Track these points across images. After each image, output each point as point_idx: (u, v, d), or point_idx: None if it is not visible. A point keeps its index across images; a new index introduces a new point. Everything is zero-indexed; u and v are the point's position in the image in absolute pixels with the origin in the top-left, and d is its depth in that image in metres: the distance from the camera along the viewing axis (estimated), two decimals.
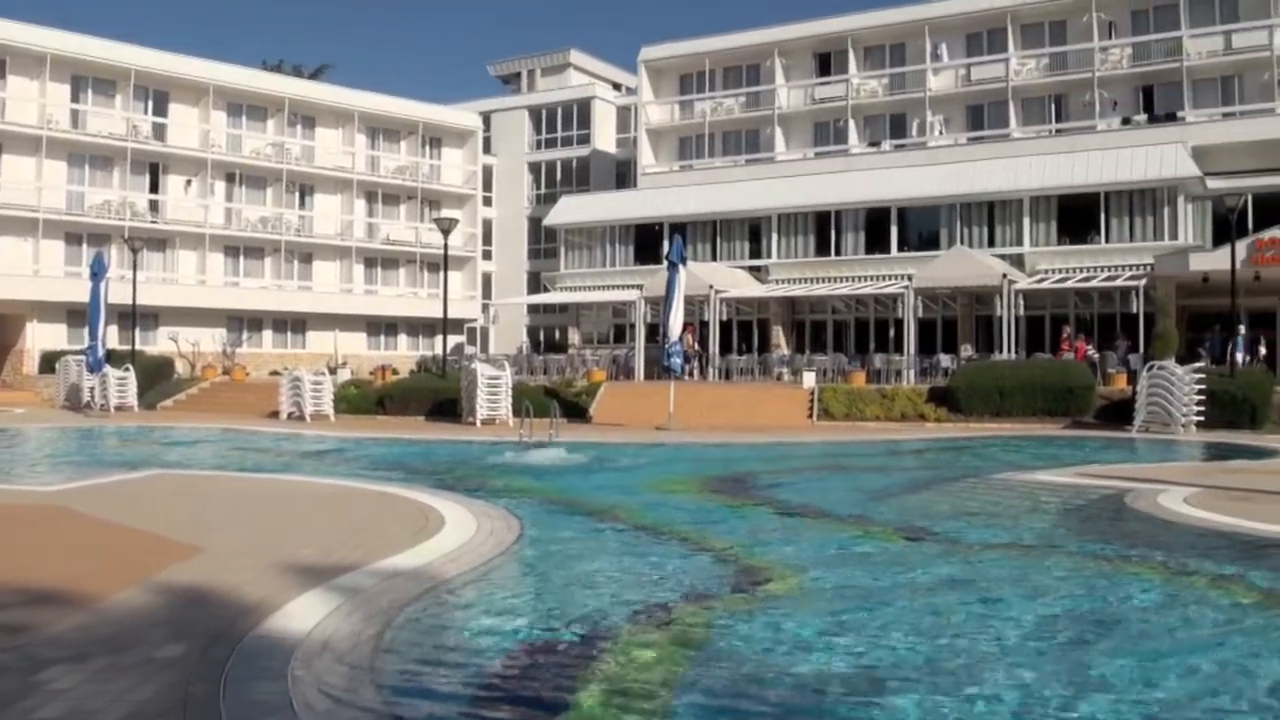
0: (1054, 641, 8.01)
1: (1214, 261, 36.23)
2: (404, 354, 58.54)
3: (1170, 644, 7.91)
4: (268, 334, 55.93)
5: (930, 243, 47.81)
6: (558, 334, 61.52)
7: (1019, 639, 8.03)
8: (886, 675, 7.07)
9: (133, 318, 43.13)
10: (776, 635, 8.04)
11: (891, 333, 45.46)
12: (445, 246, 38.10)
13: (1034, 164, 46.02)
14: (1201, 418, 28.88)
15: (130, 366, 38.77)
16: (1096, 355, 39.22)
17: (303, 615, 7.69)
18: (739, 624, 8.37)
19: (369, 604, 8.23)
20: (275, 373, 44.68)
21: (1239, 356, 36.53)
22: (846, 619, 8.58)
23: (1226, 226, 33.59)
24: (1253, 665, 7.33)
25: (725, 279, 47.26)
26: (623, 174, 63.28)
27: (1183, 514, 13.81)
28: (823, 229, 50.28)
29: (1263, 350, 38.38)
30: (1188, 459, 23.43)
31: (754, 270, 50.81)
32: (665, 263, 33.20)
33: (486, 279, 65.87)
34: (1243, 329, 37.85)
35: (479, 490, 16.13)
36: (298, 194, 57.59)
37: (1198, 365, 30.44)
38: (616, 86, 70.54)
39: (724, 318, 46.67)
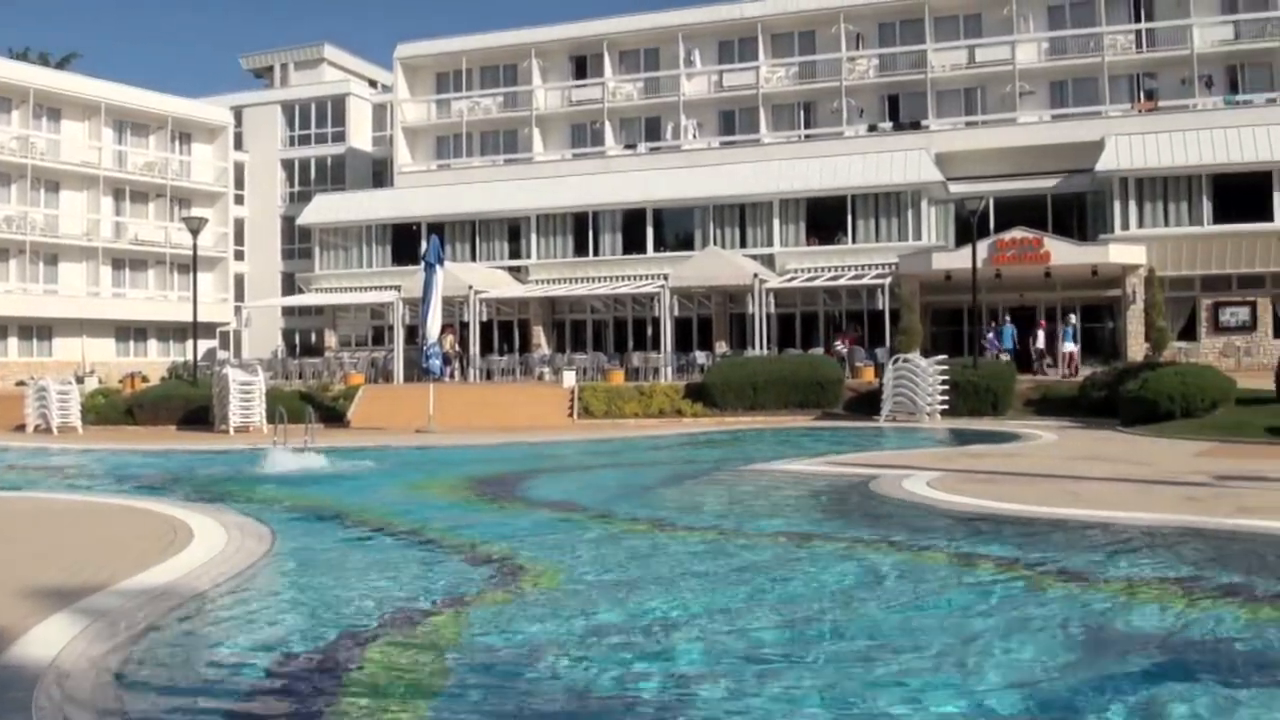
0: (791, 617, 8.46)
1: (956, 260, 38.21)
2: (155, 360, 56.57)
3: (907, 618, 8.37)
4: (13, 341, 53.24)
5: (685, 243, 48.91)
6: (314, 337, 60.45)
7: (766, 619, 8.47)
8: (643, 663, 7.32)
9: None
10: (535, 631, 8.21)
11: (649, 331, 46.38)
12: (194, 247, 37.21)
13: (784, 168, 47.63)
14: (946, 406, 30.49)
15: None
16: (845, 350, 40.78)
17: (48, 641, 7.50)
18: (497, 622, 8.53)
19: (116, 625, 8.07)
20: (21, 383, 42.76)
21: (1069, 347, 38.63)
22: (603, 611, 8.83)
23: (968, 228, 35.44)
24: (970, 627, 7.93)
25: (485, 279, 47.25)
26: (379, 173, 62.48)
27: (926, 496, 14.64)
28: (581, 230, 50.84)
29: (1041, 341, 40.47)
30: (933, 445, 24.66)
31: (514, 271, 51.01)
32: (423, 263, 33.02)
33: (239, 280, 63.96)
34: (1073, 318, 40.13)
35: (230, 501, 15.86)
36: (42, 191, 55.06)
37: (940, 358, 32.01)
38: (372, 83, 69.60)
39: (484, 318, 46.65)
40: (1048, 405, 31.35)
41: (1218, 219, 42.14)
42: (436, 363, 32.07)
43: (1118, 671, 7.04)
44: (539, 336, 50.07)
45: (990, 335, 40.12)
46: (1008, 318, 41.83)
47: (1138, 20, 47.34)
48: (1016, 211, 43.96)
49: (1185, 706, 6.27)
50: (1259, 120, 43.33)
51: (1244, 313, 41.56)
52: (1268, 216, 41.30)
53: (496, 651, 7.75)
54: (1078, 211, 46.23)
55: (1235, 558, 10.60)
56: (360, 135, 64.51)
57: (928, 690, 6.67)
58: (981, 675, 6.99)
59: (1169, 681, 6.80)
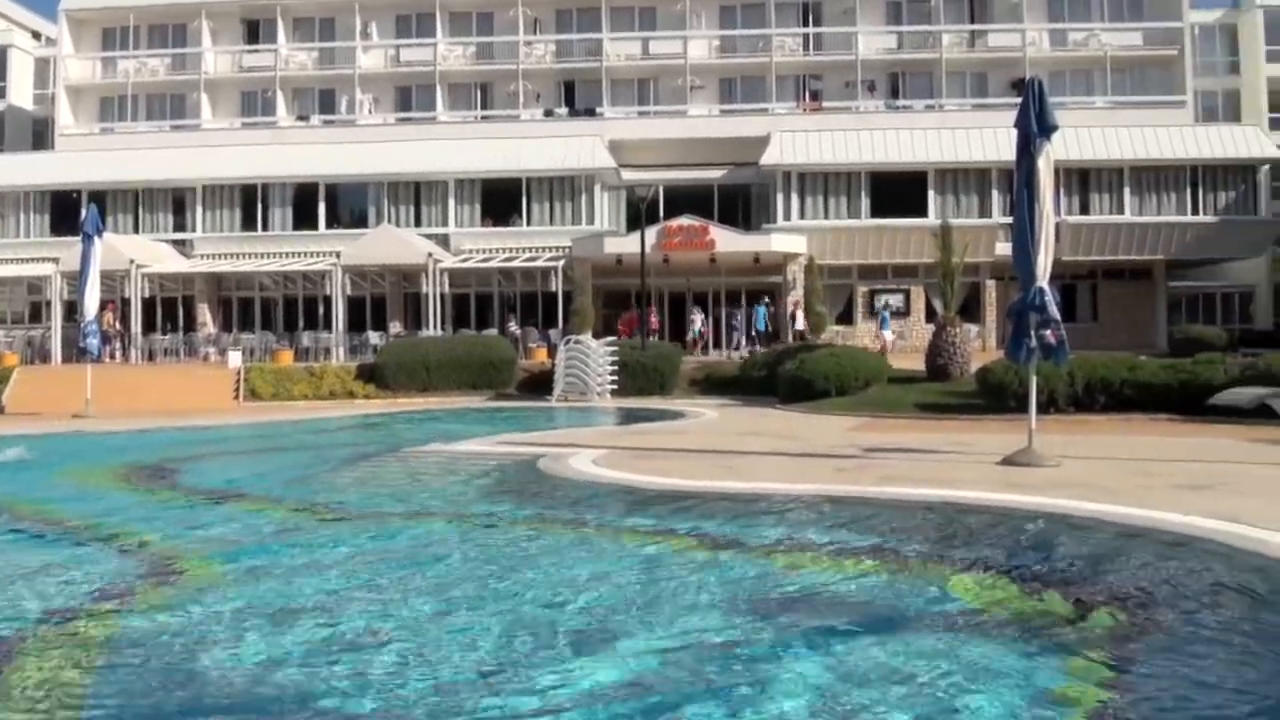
0: (456, 594, 8.73)
1: (627, 245, 39.41)
2: None
3: (557, 590, 8.70)
4: None
5: (359, 220, 48.54)
6: None
7: (437, 600, 8.69)
8: (310, 655, 7.35)
9: None
10: (194, 627, 8.13)
11: (321, 310, 45.81)
12: None
13: (460, 148, 47.90)
14: (616, 386, 31.50)
15: None
16: (519, 332, 41.48)
17: None
18: (153, 620, 8.38)
19: None
20: None
21: (888, 335, 40.36)
22: (266, 603, 8.80)
23: (639, 214, 36.61)
24: (619, 595, 8.32)
25: (148, 253, 45.65)
26: (40, 134, 58.86)
27: (590, 474, 15.19)
28: (250, 203, 49.68)
29: (801, 323, 42.16)
30: (602, 424, 25.51)
31: (179, 244, 49.34)
32: (81, 234, 31.55)
33: None
34: (892, 301, 42.53)
35: None
36: None
37: (610, 339, 33.16)
38: (36, 35, 65.58)
39: (146, 294, 45.16)
40: (712, 385, 32.94)
41: (875, 213, 45.12)
42: (94, 342, 30.74)
43: (761, 629, 7.62)
44: (205, 315, 48.66)
45: (739, 317, 41.56)
46: (768, 299, 43.49)
47: (805, 25, 50.10)
48: (686, 200, 45.77)
49: (823, 658, 6.84)
50: (917, 124, 46.71)
51: (898, 300, 44.46)
52: (922, 213, 44.42)
53: (149, 649, 7.64)
54: (743, 202, 48.35)
55: (874, 521, 11.45)
56: (21, 92, 60.60)
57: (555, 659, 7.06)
58: (624, 636, 7.46)
59: (811, 635, 7.41)
